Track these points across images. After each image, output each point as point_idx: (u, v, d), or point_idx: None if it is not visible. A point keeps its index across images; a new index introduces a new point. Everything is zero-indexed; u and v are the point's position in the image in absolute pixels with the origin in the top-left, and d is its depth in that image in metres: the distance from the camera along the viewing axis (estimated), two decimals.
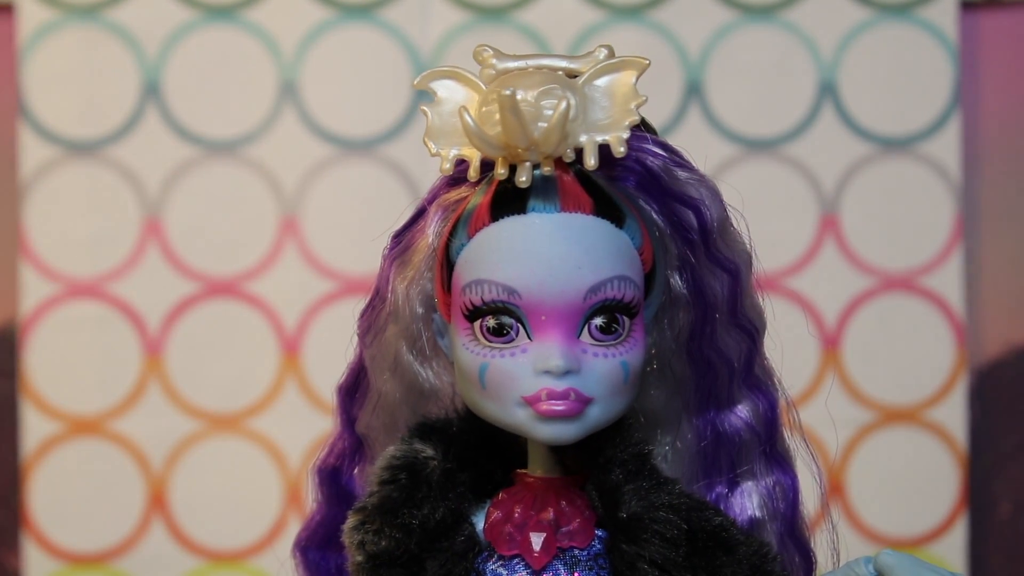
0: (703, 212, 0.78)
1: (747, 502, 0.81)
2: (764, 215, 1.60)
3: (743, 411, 0.81)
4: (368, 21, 1.61)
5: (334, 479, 0.84)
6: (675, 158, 0.78)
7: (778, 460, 0.82)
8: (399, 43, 1.61)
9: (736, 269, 0.79)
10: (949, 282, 1.60)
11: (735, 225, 0.80)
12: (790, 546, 0.82)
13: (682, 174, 0.77)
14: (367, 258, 1.57)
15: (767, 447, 0.82)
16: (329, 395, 1.57)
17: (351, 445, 0.84)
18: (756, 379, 0.81)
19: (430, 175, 1.58)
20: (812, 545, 0.84)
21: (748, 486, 0.82)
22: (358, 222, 1.59)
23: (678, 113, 1.60)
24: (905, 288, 1.61)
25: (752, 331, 0.81)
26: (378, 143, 1.61)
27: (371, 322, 0.81)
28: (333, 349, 1.67)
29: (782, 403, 0.83)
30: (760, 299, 0.82)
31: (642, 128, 0.78)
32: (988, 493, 1.62)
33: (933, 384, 1.61)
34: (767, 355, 0.82)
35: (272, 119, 1.61)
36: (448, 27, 1.61)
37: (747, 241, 0.80)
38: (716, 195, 0.78)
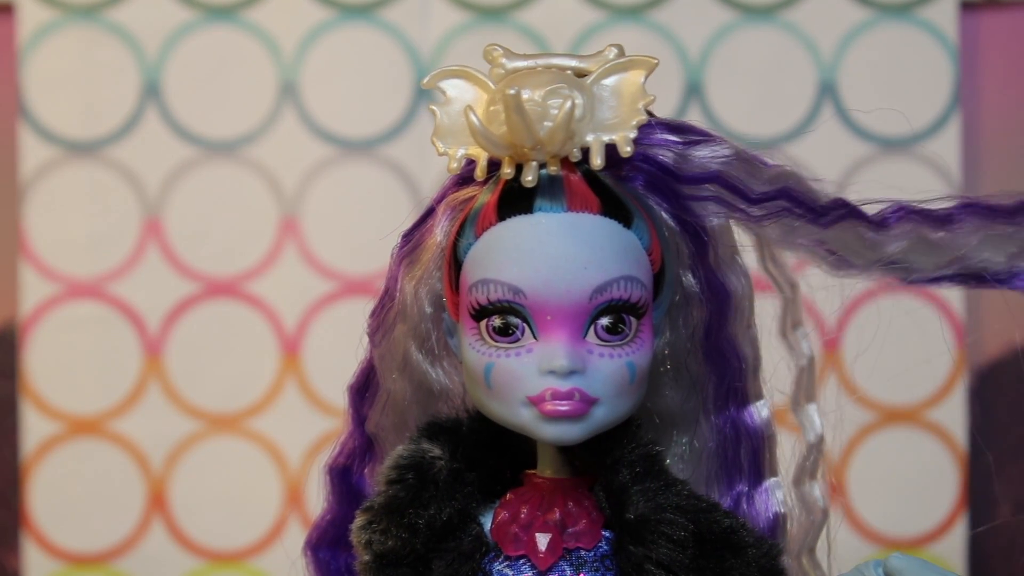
0: (722, 173, 0.76)
1: (771, 499, 0.81)
2: None
3: (754, 410, 0.81)
4: (368, 21, 1.61)
5: (344, 478, 0.84)
6: (687, 138, 0.77)
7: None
8: (399, 43, 1.61)
9: (786, 188, 0.77)
10: None
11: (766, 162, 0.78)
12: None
13: (697, 153, 0.77)
14: (367, 258, 1.59)
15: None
16: (329, 395, 1.59)
17: (361, 444, 0.84)
18: (758, 386, 0.82)
19: (430, 175, 1.59)
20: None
21: (772, 482, 0.82)
22: (358, 222, 1.59)
23: (678, 113, 1.60)
24: (905, 288, 1.61)
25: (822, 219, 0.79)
26: (378, 143, 1.61)
27: (380, 321, 0.81)
28: (333, 349, 1.67)
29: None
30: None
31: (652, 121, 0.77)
32: (988, 493, 1.62)
33: (933, 384, 1.61)
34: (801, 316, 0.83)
35: (272, 119, 1.61)
36: (448, 27, 1.61)
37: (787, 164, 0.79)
38: (730, 146, 0.77)
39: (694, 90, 1.61)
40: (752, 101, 1.61)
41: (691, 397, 0.82)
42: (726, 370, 0.80)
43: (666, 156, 0.77)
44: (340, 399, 0.87)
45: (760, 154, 0.78)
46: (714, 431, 0.81)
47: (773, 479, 0.82)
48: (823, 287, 1.66)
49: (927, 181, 1.60)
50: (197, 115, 1.61)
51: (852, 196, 1.63)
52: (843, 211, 0.79)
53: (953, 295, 1.60)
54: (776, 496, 0.82)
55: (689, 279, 0.80)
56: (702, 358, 0.81)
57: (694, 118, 1.58)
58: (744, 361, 0.81)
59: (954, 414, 1.60)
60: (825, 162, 1.61)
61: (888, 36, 1.61)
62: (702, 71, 1.61)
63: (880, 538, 1.59)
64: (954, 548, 1.60)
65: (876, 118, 1.61)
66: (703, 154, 0.77)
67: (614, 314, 0.75)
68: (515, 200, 0.75)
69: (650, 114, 0.76)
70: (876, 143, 1.61)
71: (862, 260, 0.80)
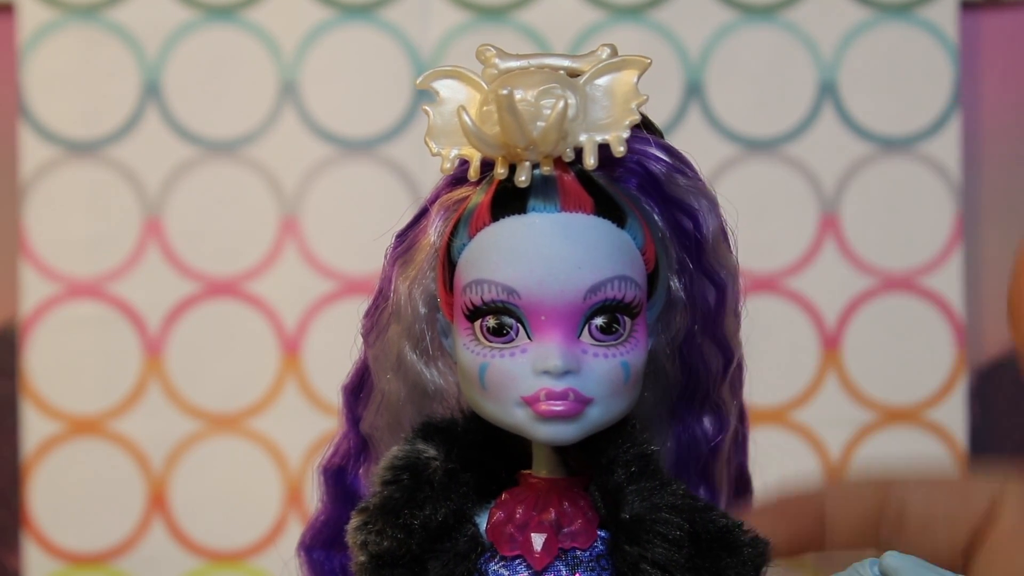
0: (700, 222, 0.77)
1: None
2: (764, 215, 1.60)
3: (707, 422, 0.82)
4: (368, 21, 1.61)
5: (339, 479, 0.84)
6: (677, 164, 0.78)
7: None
8: (399, 43, 1.61)
9: (724, 285, 0.79)
10: (949, 282, 1.60)
11: (729, 238, 0.79)
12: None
13: (682, 181, 0.77)
14: (367, 258, 1.58)
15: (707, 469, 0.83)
16: (329, 395, 1.59)
17: (356, 445, 0.84)
18: (719, 399, 0.82)
19: (430, 175, 1.59)
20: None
21: (721, 497, 0.83)
22: (358, 222, 1.59)
23: (678, 113, 1.60)
24: (905, 288, 1.61)
25: (728, 352, 0.81)
26: (378, 143, 1.61)
27: (374, 322, 0.81)
28: (333, 349, 1.67)
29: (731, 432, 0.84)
30: (741, 320, 0.82)
31: (644, 129, 0.77)
32: None
33: (933, 384, 1.61)
34: (739, 376, 0.83)
35: (272, 119, 1.61)
36: (448, 27, 1.61)
37: (736, 258, 0.80)
38: (714, 206, 0.78)
39: (694, 90, 1.61)
40: (752, 101, 1.61)
41: (663, 400, 0.82)
42: (690, 379, 0.81)
43: (657, 167, 0.77)
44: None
45: (728, 232, 0.79)
46: (673, 438, 0.82)
47: (722, 493, 0.83)
48: (823, 287, 1.66)
49: (927, 181, 1.60)
50: (197, 115, 1.62)
51: (851, 195, 1.63)
52: (731, 364, 0.81)
53: (953, 295, 1.60)
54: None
55: (675, 283, 0.80)
56: (677, 363, 0.81)
57: (694, 118, 1.60)
58: (709, 373, 0.81)
59: (954, 414, 1.60)
60: (825, 162, 1.61)
61: (888, 36, 1.61)
62: (702, 71, 1.61)
63: None
64: None
65: (876, 118, 1.61)
66: (687, 184, 0.77)
67: (608, 314, 0.74)
68: (509, 200, 0.75)
69: (643, 115, 0.76)
70: (876, 143, 1.61)
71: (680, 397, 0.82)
